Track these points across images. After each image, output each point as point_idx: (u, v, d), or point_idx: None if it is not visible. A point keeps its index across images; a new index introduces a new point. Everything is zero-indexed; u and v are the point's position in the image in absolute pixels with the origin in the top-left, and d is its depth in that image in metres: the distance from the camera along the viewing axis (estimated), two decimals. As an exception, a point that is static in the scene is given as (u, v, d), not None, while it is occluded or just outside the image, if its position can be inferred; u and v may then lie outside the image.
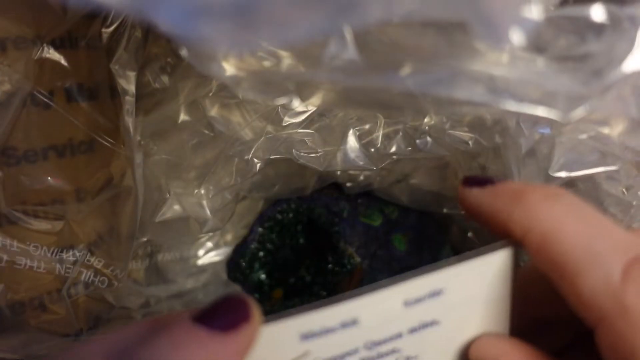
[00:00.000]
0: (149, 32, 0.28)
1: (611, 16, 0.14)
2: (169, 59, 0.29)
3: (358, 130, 0.29)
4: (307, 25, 0.09)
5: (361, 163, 0.29)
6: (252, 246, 0.36)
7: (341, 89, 0.18)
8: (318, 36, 0.11)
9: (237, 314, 0.15)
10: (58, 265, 0.28)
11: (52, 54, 0.26)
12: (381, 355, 0.19)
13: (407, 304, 0.19)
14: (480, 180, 0.19)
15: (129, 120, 0.28)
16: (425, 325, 0.19)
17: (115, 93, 0.29)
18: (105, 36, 0.27)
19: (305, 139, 0.29)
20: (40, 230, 0.27)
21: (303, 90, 0.17)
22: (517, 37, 0.10)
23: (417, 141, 0.26)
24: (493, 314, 0.20)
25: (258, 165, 0.29)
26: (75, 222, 0.28)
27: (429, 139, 0.26)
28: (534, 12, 0.11)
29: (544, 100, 0.14)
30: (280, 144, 0.29)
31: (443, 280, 0.19)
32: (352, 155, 0.29)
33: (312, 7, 0.09)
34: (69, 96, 0.27)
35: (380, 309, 0.18)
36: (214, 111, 0.30)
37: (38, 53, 0.26)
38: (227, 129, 0.30)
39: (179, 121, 0.30)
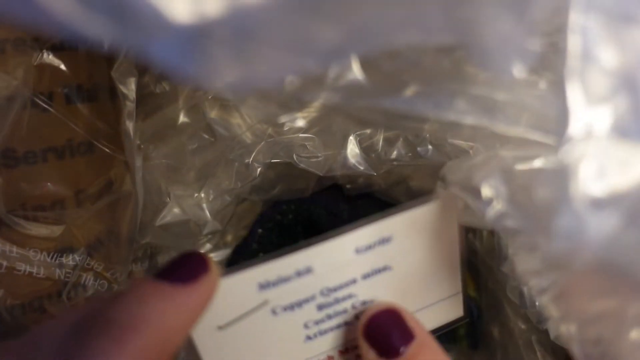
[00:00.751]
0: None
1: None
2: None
3: (358, 135, 0.29)
4: (311, 56, 0.09)
5: (361, 168, 0.29)
6: (252, 247, 0.36)
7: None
8: (322, 67, 0.11)
9: (196, 266, 0.16)
10: (58, 270, 0.28)
11: (52, 56, 0.26)
12: (337, 300, 0.20)
13: (358, 251, 0.19)
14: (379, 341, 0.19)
15: (129, 125, 0.28)
16: (377, 271, 0.20)
17: (114, 95, 0.28)
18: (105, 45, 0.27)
19: (305, 143, 0.29)
20: (40, 236, 0.27)
21: (306, 107, 0.17)
22: (517, 69, 0.10)
23: (418, 148, 0.26)
24: (443, 257, 0.21)
25: (258, 169, 0.29)
26: (74, 226, 0.28)
27: (429, 146, 0.26)
28: (535, 44, 0.10)
29: (545, 125, 0.14)
30: (281, 148, 0.29)
31: (390, 228, 0.19)
32: (352, 160, 0.29)
33: (318, 36, 0.09)
34: (68, 98, 0.27)
35: (332, 257, 0.19)
36: (213, 114, 0.30)
37: (37, 55, 0.26)
38: (228, 131, 0.29)
39: (179, 124, 0.29)
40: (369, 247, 0.20)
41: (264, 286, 0.18)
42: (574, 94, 0.10)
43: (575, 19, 0.11)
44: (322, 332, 0.20)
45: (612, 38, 0.11)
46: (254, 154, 0.30)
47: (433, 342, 0.19)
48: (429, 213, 0.20)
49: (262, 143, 0.29)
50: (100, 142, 0.28)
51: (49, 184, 0.27)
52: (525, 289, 0.24)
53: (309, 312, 0.20)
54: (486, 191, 0.15)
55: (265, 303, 0.19)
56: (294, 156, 0.29)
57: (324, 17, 0.09)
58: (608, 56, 0.11)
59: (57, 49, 0.26)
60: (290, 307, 0.19)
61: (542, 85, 0.14)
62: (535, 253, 0.15)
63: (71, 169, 0.28)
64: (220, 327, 0.19)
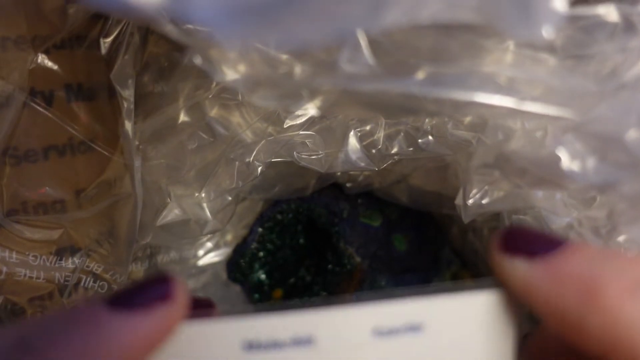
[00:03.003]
0: (149, 33, 0.28)
1: (623, 16, 0.14)
2: (167, 62, 0.29)
3: (359, 131, 0.29)
4: (337, 23, 0.09)
5: (363, 164, 0.29)
6: (252, 246, 0.36)
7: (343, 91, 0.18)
8: (345, 37, 0.11)
9: (151, 291, 0.13)
10: (57, 274, 0.27)
11: (52, 55, 0.26)
12: None
13: (378, 332, 0.15)
14: (527, 242, 0.13)
15: (128, 125, 0.28)
16: None
17: (113, 94, 0.28)
18: (104, 45, 0.27)
19: (306, 141, 0.29)
20: (39, 239, 0.27)
21: (316, 96, 0.17)
22: (547, 31, 0.10)
23: (420, 141, 0.26)
24: None
25: (259, 168, 0.29)
26: (73, 228, 0.28)
27: (430, 138, 0.26)
28: (561, 5, 0.11)
29: (560, 100, 0.14)
30: (281, 147, 0.29)
31: (423, 312, 0.15)
32: (353, 156, 0.29)
33: (344, 6, 0.09)
34: (68, 96, 0.27)
35: (342, 330, 0.15)
36: (213, 113, 0.29)
37: (38, 53, 0.26)
38: (228, 131, 0.29)
39: (179, 124, 0.29)
40: (392, 332, 0.15)
41: (251, 346, 0.15)
42: None
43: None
44: None
45: None
46: (254, 152, 0.30)
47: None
48: (477, 304, 0.15)
49: (263, 142, 0.29)
50: (100, 141, 0.28)
51: (50, 182, 0.27)
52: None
53: None
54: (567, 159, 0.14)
55: None
56: (295, 154, 0.29)
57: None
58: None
59: (58, 47, 0.26)
60: None
61: (552, 61, 0.14)
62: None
63: (72, 167, 0.28)
64: None
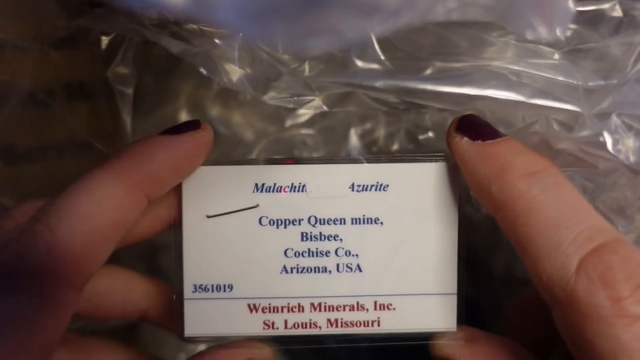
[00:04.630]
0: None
1: (626, 11, 0.14)
2: (168, 61, 0.29)
3: (360, 129, 0.29)
4: (353, 32, 0.10)
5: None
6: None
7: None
8: (361, 38, 0.11)
9: (188, 124, 0.18)
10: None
11: (52, 54, 0.26)
12: (323, 236, 0.20)
13: (354, 188, 0.19)
14: (473, 129, 0.18)
15: (128, 125, 0.28)
16: (368, 221, 0.20)
17: (113, 93, 0.28)
18: (104, 44, 0.27)
19: (307, 139, 0.30)
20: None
21: (325, 92, 0.17)
22: (561, 30, 0.11)
23: (420, 137, 0.27)
24: (439, 230, 0.20)
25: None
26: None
27: (431, 134, 0.27)
28: (572, 4, 0.11)
29: (566, 94, 0.14)
30: (282, 146, 0.29)
31: (389, 174, 0.19)
32: (354, 155, 0.29)
33: (363, 11, 0.10)
34: (68, 95, 0.27)
35: (327, 183, 0.19)
36: (214, 112, 0.30)
37: (37, 52, 0.26)
38: (229, 130, 0.30)
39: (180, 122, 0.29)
40: (365, 188, 0.20)
41: (259, 188, 0.19)
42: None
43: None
44: (300, 270, 0.20)
45: None
46: (255, 152, 0.30)
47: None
48: (431, 172, 0.19)
49: (264, 141, 0.30)
50: (100, 140, 0.28)
51: (49, 182, 0.26)
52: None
53: (292, 237, 0.20)
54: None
55: (256, 206, 0.19)
56: (295, 153, 0.30)
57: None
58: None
59: (57, 46, 0.26)
60: (277, 223, 0.20)
61: (556, 55, 0.14)
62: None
63: (71, 167, 0.27)
64: (209, 216, 0.19)
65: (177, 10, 0.09)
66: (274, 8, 0.09)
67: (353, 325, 0.20)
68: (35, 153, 0.26)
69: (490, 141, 0.17)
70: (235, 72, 0.19)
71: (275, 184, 0.19)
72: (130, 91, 0.27)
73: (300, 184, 0.19)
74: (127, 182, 0.17)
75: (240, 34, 0.16)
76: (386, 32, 0.13)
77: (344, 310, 0.20)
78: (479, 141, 0.17)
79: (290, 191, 0.19)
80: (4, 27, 0.25)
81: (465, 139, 0.18)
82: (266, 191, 0.19)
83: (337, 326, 0.20)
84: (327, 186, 0.19)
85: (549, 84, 0.15)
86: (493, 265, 0.30)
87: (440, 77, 0.15)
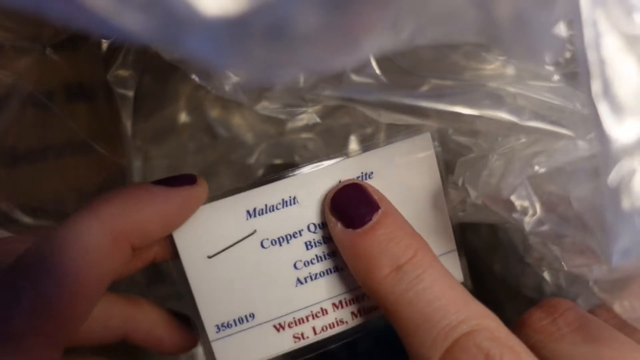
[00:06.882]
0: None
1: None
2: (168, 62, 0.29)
3: (360, 134, 0.29)
4: (346, 54, 0.09)
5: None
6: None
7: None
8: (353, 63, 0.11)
9: (183, 178, 0.18)
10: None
11: (52, 55, 0.26)
12: (326, 239, 0.20)
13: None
14: (346, 214, 0.18)
15: (128, 125, 0.28)
16: None
17: (113, 94, 0.28)
18: (104, 45, 0.27)
19: (307, 143, 0.29)
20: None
21: (318, 103, 0.17)
22: (549, 56, 0.11)
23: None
24: (427, 197, 0.20)
25: (260, 170, 0.29)
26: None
27: (431, 143, 0.26)
28: (562, 30, 0.11)
29: (562, 118, 0.14)
30: (282, 149, 0.29)
31: (370, 162, 0.20)
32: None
33: (354, 35, 0.09)
34: (68, 97, 0.27)
35: (315, 186, 0.19)
36: (215, 114, 0.30)
37: (38, 54, 0.26)
38: (229, 132, 0.29)
39: (180, 124, 0.29)
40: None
41: (251, 214, 0.19)
42: (606, 111, 0.10)
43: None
44: (314, 277, 0.20)
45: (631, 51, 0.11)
46: (255, 154, 0.30)
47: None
48: (408, 148, 0.20)
49: (264, 144, 0.30)
50: (100, 142, 0.28)
51: (49, 183, 0.27)
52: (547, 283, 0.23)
53: (298, 249, 0.20)
54: (519, 203, 0.15)
55: (253, 233, 0.19)
56: (295, 156, 0.30)
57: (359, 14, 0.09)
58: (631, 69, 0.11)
59: (58, 47, 0.26)
60: (279, 241, 0.19)
61: (556, 77, 0.14)
62: (585, 252, 0.15)
63: (71, 168, 0.27)
64: (210, 257, 0.19)
65: (142, 40, 0.09)
66: (240, 40, 0.09)
67: (376, 309, 0.20)
68: (36, 154, 0.26)
69: (360, 230, 0.18)
70: (228, 81, 0.19)
71: (266, 205, 0.19)
72: (130, 93, 0.27)
73: (290, 197, 0.19)
74: (114, 231, 0.16)
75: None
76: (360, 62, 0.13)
77: (364, 299, 0.20)
78: (351, 230, 0.18)
79: (283, 207, 0.19)
80: (5, 28, 0.25)
81: (339, 225, 0.18)
82: (259, 214, 0.19)
83: (361, 316, 0.20)
84: (317, 191, 0.19)
85: (545, 106, 0.14)
86: (493, 266, 0.30)
87: (435, 94, 0.15)
